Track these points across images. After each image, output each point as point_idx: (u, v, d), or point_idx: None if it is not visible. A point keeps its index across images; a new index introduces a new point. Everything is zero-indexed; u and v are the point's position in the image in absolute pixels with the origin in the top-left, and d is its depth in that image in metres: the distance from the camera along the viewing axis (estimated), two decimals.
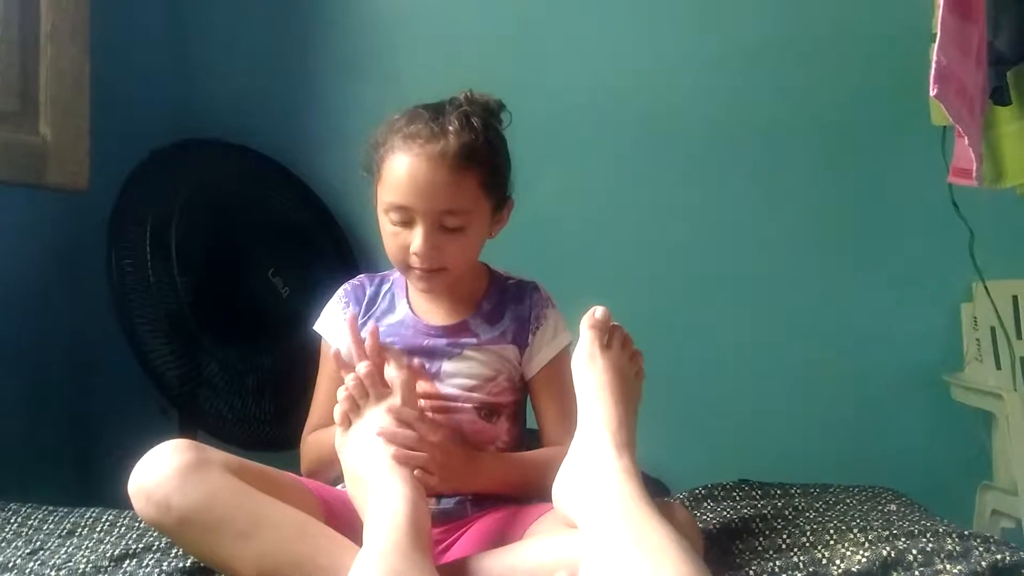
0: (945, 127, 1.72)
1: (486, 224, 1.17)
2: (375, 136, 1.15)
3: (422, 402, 1.12)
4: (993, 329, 1.85)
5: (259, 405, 1.77)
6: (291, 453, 1.28)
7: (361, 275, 1.28)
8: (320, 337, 1.23)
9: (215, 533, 0.94)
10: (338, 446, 1.04)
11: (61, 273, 1.88)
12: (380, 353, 1.08)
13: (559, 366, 1.18)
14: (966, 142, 1.40)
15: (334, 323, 1.22)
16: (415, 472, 1.00)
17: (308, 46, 2.03)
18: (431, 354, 1.17)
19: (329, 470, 1.14)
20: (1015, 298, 1.84)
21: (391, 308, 1.22)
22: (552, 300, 1.23)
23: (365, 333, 1.11)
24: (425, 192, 1.09)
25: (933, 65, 1.29)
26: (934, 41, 1.34)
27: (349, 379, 1.04)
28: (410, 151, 1.09)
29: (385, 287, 1.24)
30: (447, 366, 1.17)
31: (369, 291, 1.23)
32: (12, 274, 1.74)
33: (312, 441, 1.20)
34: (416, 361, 1.16)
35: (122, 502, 1.12)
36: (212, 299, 1.75)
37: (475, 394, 1.16)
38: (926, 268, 1.92)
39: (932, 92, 1.29)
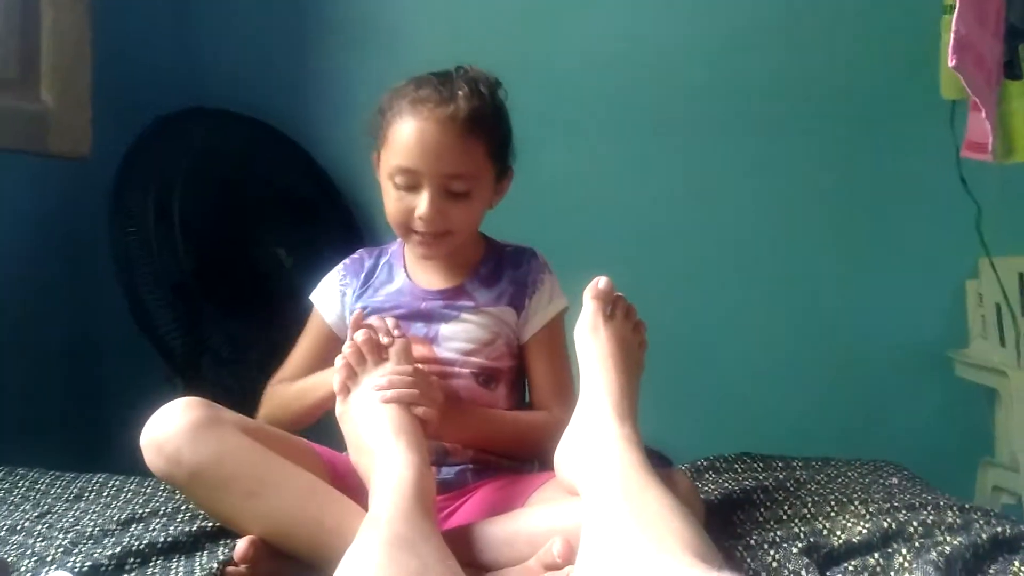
0: (955, 101, 1.70)
1: (490, 191, 1.17)
2: (381, 102, 1.16)
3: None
4: (998, 306, 1.85)
5: (263, 375, 1.77)
6: None
7: (360, 249, 1.29)
8: (313, 305, 1.25)
9: (224, 490, 0.96)
10: (339, 415, 1.04)
11: (64, 241, 1.88)
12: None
13: (553, 331, 1.19)
14: (982, 115, 1.38)
15: (328, 295, 1.24)
16: (419, 410, 1.00)
17: (315, 18, 2.01)
18: (428, 317, 1.18)
19: (289, 420, 1.16)
20: (1021, 275, 1.84)
21: (390, 278, 1.23)
22: (549, 266, 1.23)
23: (358, 305, 1.17)
24: (433, 155, 1.10)
25: (952, 35, 1.27)
26: (948, 12, 1.32)
27: (346, 348, 1.05)
28: (419, 115, 1.10)
29: (384, 259, 1.25)
30: (444, 329, 1.17)
31: (368, 264, 1.24)
32: (15, 242, 1.74)
33: (277, 390, 1.22)
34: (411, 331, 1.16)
35: (128, 469, 1.14)
36: (216, 269, 1.75)
37: (473, 358, 1.16)
38: (932, 244, 1.91)
39: (951, 63, 1.27)
